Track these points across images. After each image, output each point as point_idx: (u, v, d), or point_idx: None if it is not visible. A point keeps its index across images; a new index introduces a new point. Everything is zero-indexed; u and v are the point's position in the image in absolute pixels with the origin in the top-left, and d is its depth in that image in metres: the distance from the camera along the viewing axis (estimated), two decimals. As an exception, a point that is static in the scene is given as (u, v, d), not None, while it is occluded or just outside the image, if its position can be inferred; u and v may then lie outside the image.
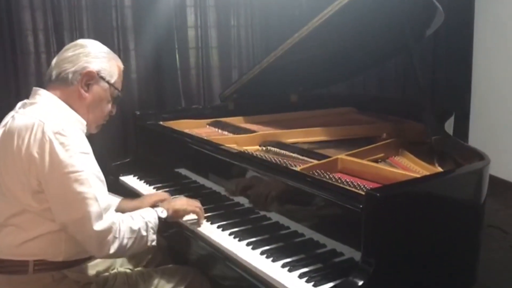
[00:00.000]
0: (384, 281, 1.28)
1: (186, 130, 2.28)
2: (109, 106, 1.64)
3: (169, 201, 1.75)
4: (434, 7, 2.01)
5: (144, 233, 1.54)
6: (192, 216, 1.76)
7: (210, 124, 2.43)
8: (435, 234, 1.39)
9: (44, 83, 1.59)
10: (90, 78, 1.56)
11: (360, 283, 1.24)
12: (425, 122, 1.87)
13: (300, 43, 2.08)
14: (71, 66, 1.53)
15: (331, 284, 1.33)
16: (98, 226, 1.42)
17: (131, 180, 2.24)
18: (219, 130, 2.34)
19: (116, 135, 3.11)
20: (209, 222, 1.75)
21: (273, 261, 1.47)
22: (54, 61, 1.58)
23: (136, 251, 1.58)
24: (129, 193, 2.10)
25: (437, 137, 1.82)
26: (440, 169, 1.78)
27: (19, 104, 1.57)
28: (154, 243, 1.59)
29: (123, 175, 2.29)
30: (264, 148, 2.07)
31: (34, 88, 1.58)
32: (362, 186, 1.53)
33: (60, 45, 3.11)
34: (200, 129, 2.38)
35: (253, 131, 2.24)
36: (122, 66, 1.67)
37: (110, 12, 3.18)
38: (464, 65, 3.89)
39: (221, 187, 1.91)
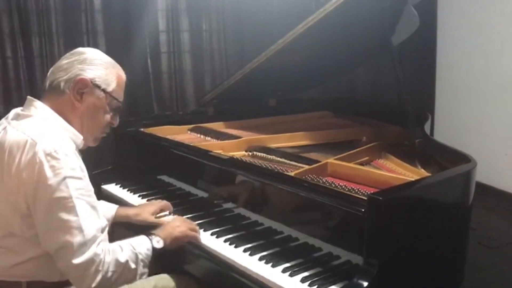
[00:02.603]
0: (387, 282, 1.32)
1: (168, 137, 2.27)
2: (108, 117, 1.57)
3: (166, 229, 1.64)
4: (412, 13, 2.08)
5: (133, 266, 1.45)
6: None
7: (192, 130, 2.42)
8: (432, 234, 1.44)
9: (40, 93, 1.53)
10: (83, 86, 1.49)
11: (365, 284, 1.28)
12: (408, 125, 1.94)
13: (281, 50, 2.09)
14: (64, 74, 1.48)
15: (335, 287, 1.36)
16: (77, 259, 1.33)
17: (114, 189, 2.19)
18: (202, 136, 2.33)
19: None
20: (202, 229, 1.74)
21: (272, 266, 1.49)
22: (50, 70, 1.52)
23: (123, 284, 1.47)
24: (113, 202, 2.05)
25: (420, 139, 1.89)
26: (423, 171, 1.85)
27: (12, 113, 1.51)
28: (144, 277, 1.50)
29: (105, 184, 2.24)
30: (250, 153, 2.08)
31: (28, 97, 1.51)
32: (356, 190, 1.57)
33: (28, 50, 3.03)
34: (181, 135, 2.36)
35: (236, 136, 2.24)
36: (123, 76, 1.59)
37: (80, 16, 3.13)
38: (428, 68, 4.03)
39: (208, 193, 1.90)
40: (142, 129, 2.34)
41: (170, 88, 3.43)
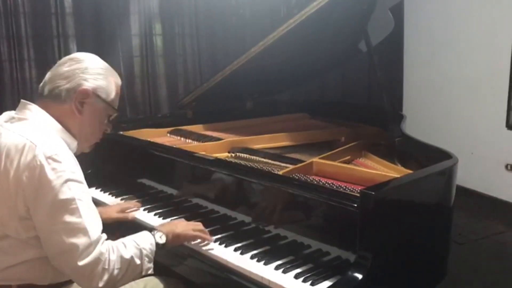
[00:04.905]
0: (379, 274, 1.35)
1: (148, 139, 2.25)
2: (104, 124, 1.56)
3: (169, 225, 1.64)
4: (388, 16, 2.15)
5: (138, 262, 1.44)
6: None
7: (171, 133, 2.41)
8: (420, 227, 1.49)
9: (35, 98, 1.48)
10: (85, 96, 1.46)
11: (360, 277, 1.31)
12: (388, 124, 1.99)
13: (263, 51, 2.12)
14: (66, 83, 1.44)
15: (328, 282, 1.39)
16: (83, 261, 1.32)
17: (94, 193, 2.15)
18: (182, 138, 2.33)
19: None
20: (189, 231, 1.74)
21: (265, 264, 1.50)
22: (47, 75, 1.48)
23: (129, 281, 1.47)
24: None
25: (399, 138, 1.95)
26: (403, 168, 1.91)
27: (5, 116, 1.46)
28: (150, 271, 1.50)
29: (84, 188, 2.19)
30: (233, 154, 2.09)
31: (22, 101, 1.47)
32: (344, 187, 1.61)
33: (-4, 54, 2.94)
34: (161, 138, 2.35)
35: (217, 138, 2.25)
36: (119, 83, 1.57)
37: (50, 19, 3.06)
38: (395, 69, 4.15)
39: (194, 195, 1.90)
40: (121, 132, 2.32)
41: (143, 92, 3.40)
